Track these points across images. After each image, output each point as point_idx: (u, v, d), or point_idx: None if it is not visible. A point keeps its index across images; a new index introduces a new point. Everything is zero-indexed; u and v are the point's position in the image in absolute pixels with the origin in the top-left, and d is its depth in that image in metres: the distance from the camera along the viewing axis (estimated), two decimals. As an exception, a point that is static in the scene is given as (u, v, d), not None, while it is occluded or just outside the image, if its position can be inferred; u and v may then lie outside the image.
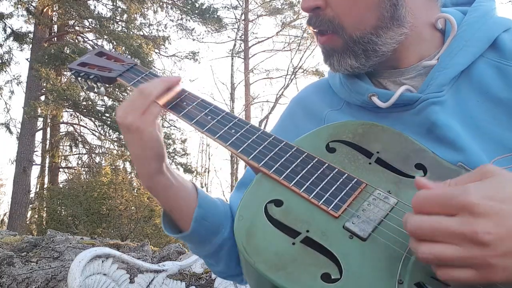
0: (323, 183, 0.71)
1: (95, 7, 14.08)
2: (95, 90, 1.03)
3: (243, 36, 18.30)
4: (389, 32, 0.80)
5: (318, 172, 0.73)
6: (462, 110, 0.78)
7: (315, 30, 0.85)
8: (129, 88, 0.93)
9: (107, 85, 1.03)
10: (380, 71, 0.88)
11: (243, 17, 18.09)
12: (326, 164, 0.74)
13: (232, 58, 17.99)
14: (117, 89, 12.59)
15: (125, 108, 0.81)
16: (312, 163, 0.75)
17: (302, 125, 0.95)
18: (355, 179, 0.71)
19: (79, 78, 1.04)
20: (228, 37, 18.44)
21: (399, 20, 0.80)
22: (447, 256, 0.52)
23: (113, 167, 12.67)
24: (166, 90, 0.85)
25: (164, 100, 0.85)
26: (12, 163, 14.19)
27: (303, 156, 0.76)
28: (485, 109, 0.76)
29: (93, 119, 14.05)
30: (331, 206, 0.68)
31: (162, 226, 0.92)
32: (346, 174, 0.72)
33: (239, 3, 18.18)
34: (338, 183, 0.71)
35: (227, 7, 18.28)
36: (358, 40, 0.81)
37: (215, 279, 2.32)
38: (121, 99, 13.53)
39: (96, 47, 13.30)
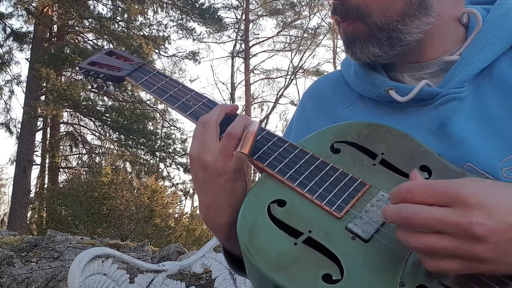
0: (327, 184, 0.71)
1: (95, 7, 14.11)
2: (104, 89, 1.03)
3: (243, 36, 18.31)
4: (415, 21, 0.78)
5: (322, 173, 0.73)
6: (480, 108, 0.76)
7: (338, 19, 0.82)
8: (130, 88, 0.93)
9: (116, 84, 1.03)
10: (399, 64, 0.86)
11: (243, 17, 18.10)
12: (330, 165, 0.74)
13: (233, 58, 18.01)
14: (117, 89, 12.58)
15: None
16: (316, 164, 0.74)
17: (314, 120, 0.94)
18: (359, 180, 0.71)
19: (89, 77, 1.04)
20: (229, 37, 18.47)
21: (426, 9, 0.77)
22: (440, 246, 0.53)
23: (114, 167, 12.66)
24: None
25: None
26: (12, 163, 14.22)
27: (307, 156, 0.76)
28: (505, 107, 0.75)
29: (93, 119, 14.05)
30: (334, 207, 0.68)
31: (229, 266, 0.88)
32: (350, 175, 0.72)
33: (240, 3, 18.20)
34: (341, 184, 0.71)
35: (228, 7, 18.27)
36: (383, 27, 0.78)
37: (215, 279, 2.31)
38: (120, 99, 13.52)
39: (96, 47, 13.31)
